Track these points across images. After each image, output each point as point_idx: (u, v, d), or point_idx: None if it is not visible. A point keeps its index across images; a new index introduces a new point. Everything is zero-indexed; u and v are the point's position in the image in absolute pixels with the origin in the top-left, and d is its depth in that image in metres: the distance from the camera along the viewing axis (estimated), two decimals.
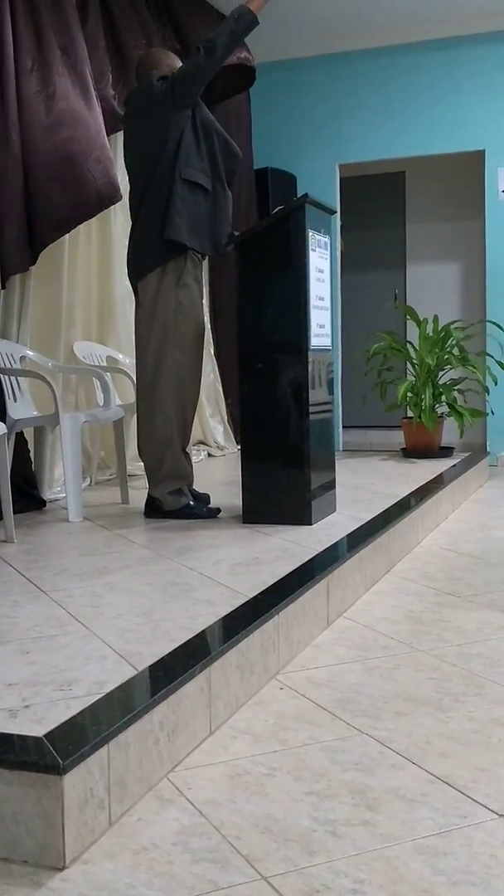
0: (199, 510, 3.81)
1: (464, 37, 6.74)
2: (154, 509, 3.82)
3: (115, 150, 5.00)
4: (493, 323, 6.60)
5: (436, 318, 6.51)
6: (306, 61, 7.10)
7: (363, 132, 7.05)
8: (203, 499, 3.95)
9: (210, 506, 3.88)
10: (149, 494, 3.85)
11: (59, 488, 4.43)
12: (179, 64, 3.84)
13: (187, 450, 3.86)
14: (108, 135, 4.85)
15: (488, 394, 6.48)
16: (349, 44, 6.94)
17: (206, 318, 6.33)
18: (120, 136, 4.87)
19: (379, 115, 7.01)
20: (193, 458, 4.04)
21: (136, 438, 3.97)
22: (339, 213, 6.95)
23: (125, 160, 3.92)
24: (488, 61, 6.72)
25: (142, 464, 3.97)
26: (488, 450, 6.78)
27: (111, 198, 4.45)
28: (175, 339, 3.70)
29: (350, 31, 6.78)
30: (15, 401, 4.05)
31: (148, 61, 3.91)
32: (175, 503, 3.79)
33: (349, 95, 7.06)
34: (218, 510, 3.83)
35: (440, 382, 6.37)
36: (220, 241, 3.76)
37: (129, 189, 3.88)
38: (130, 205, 3.84)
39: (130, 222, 3.86)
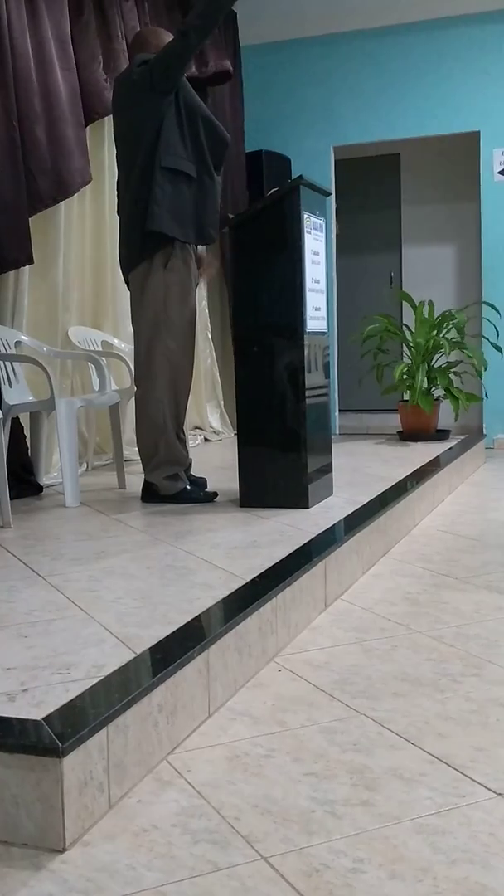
0: (196, 494, 3.81)
1: (459, 17, 6.70)
2: (151, 494, 3.82)
3: (103, 136, 4.98)
4: (489, 304, 6.58)
5: (431, 303, 6.50)
6: (301, 42, 7.06)
7: (358, 114, 7.02)
8: (200, 483, 3.95)
9: (207, 490, 3.88)
10: (145, 479, 3.85)
11: (55, 473, 4.43)
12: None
13: (183, 433, 3.86)
14: (94, 120, 4.80)
15: (481, 377, 6.47)
16: (344, 25, 6.90)
17: (205, 304, 6.32)
18: (106, 122, 4.86)
19: (374, 97, 6.97)
20: (190, 443, 4.04)
21: (131, 423, 3.96)
22: (334, 196, 6.93)
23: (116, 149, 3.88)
24: (484, 42, 6.69)
25: (136, 448, 3.97)
26: (485, 432, 6.78)
27: (54, 197, 4.39)
28: (166, 326, 3.68)
29: (345, 12, 6.73)
30: (10, 386, 4.04)
31: (136, 43, 3.85)
32: (172, 488, 3.78)
33: (344, 77, 7.02)
34: (215, 494, 3.83)
35: (436, 365, 6.37)
36: (205, 230, 3.69)
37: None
38: (118, 195, 3.81)
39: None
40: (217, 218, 3.76)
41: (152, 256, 3.63)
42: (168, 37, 3.80)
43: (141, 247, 3.64)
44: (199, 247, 3.87)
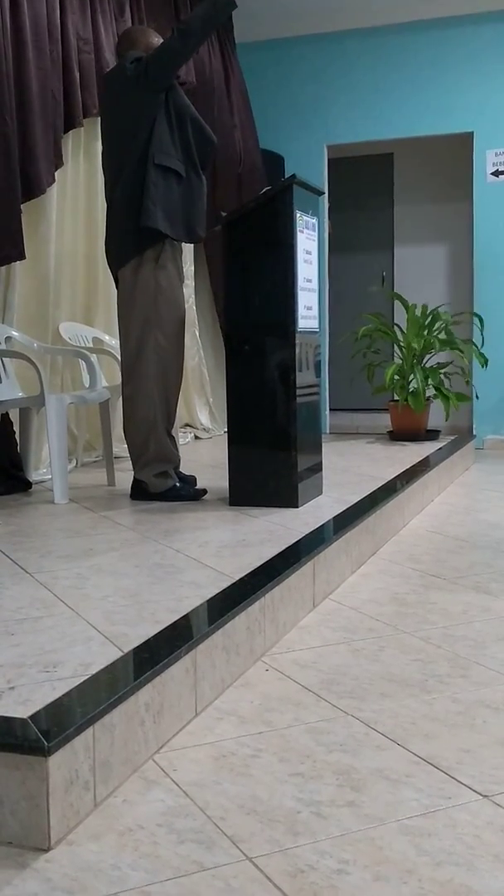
0: (186, 492, 3.80)
1: (454, 18, 6.71)
2: (140, 491, 3.82)
3: (96, 132, 4.91)
4: (476, 315, 6.60)
5: (424, 306, 6.51)
6: (295, 41, 7.05)
7: (352, 113, 7.02)
8: (189, 481, 3.94)
9: (196, 487, 3.88)
10: (134, 477, 3.84)
11: (44, 470, 4.42)
12: (159, 42, 3.77)
13: (173, 432, 3.85)
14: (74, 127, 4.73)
15: (470, 379, 6.48)
16: (339, 24, 6.90)
17: (192, 301, 6.31)
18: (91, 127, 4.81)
19: (368, 97, 6.97)
20: (180, 441, 4.04)
21: (121, 420, 3.95)
22: (326, 195, 6.92)
23: (102, 145, 3.87)
24: (478, 43, 6.69)
25: (125, 445, 3.96)
26: (474, 433, 6.80)
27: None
28: (156, 323, 3.68)
29: (339, 11, 6.73)
30: (0, 382, 4.03)
31: (125, 41, 3.86)
32: (161, 485, 3.78)
33: (338, 76, 7.02)
34: (204, 492, 3.82)
35: (427, 365, 6.37)
36: (194, 228, 3.70)
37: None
38: (105, 190, 3.80)
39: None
40: (204, 217, 3.76)
41: (144, 254, 3.63)
42: (156, 37, 3.82)
43: (134, 243, 3.64)
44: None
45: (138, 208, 3.57)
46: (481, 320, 6.53)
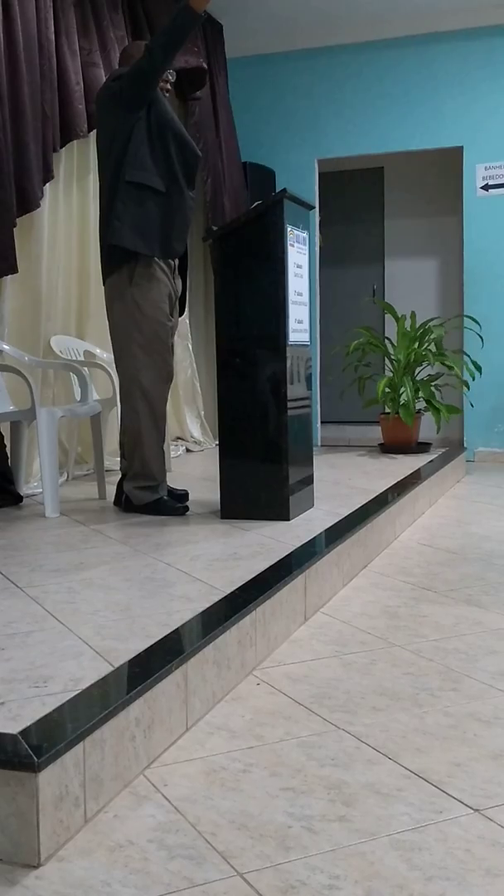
0: (167, 506, 3.77)
1: (443, 33, 6.76)
2: (126, 502, 3.84)
3: (89, 147, 4.93)
4: (469, 317, 6.62)
5: (413, 315, 6.53)
6: (286, 56, 7.09)
7: (342, 127, 7.06)
8: (180, 495, 3.93)
9: (179, 504, 3.84)
10: (124, 488, 3.85)
11: (35, 483, 4.41)
12: None
13: (163, 447, 3.85)
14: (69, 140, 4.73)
15: (468, 388, 6.49)
16: (329, 39, 6.94)
17: (186, 314, 6.31)
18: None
19: (358, 111, 7.01)
20: (172, 454, 4.03)
21: (113, 433, 3.96)
22: (317, 209, 6.96)
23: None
24: (468, 58, 6.74)
25: (118, 459, 3.97)
26: (465, 445, 6.81)
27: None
28: (136, 339, 3.68)
29: (330, 26, 6.78)
30: None
31: (123, 57, 3.89)
32: (143, 498, 3.78)
33: (329, 91, 7.06)
34: (186, 508, 3.80)
35: (418, 378, 6.39)
36: (171, 244, 3.67)
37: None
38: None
39: None
40: (186, 232, 3.75)
41: (119, 270, 3.66)
42: None
43: (107, 261, 3.69)
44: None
45: (108, 226, 3.62)
46: (477, 322, 6.53)
